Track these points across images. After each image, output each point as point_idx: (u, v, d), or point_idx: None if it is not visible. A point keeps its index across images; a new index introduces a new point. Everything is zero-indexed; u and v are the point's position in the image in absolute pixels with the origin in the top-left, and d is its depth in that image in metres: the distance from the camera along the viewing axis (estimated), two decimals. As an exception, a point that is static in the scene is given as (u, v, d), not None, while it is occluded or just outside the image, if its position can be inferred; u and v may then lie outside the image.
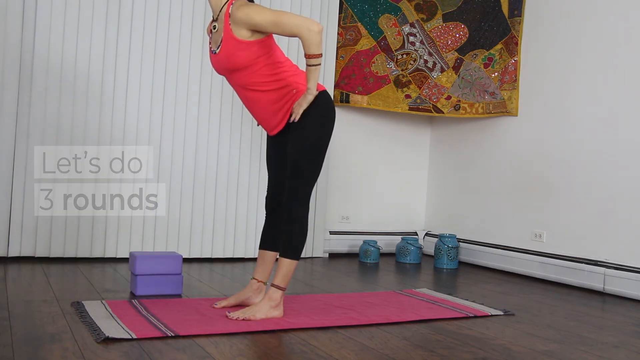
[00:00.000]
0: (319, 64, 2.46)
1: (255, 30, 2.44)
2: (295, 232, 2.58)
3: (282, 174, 2.70)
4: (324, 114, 2.59)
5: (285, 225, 2.59)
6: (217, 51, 2.52)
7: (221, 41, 2.49)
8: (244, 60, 2.48)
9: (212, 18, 2.62)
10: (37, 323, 2.31)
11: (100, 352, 2.00)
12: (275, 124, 2.63)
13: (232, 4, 2.47)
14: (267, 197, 2.81)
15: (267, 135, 2.78)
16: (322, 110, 2.57)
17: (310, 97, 2.49)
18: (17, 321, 2.32)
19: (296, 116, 2.51)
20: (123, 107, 3.94)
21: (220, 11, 2.51)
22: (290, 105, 2.56)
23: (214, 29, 2.54)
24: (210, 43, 2.61)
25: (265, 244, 2.78)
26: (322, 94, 2.58)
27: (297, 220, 2.58)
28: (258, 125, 2.80)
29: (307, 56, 2.44)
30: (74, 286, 3.08)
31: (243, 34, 2.44)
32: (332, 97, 2.64)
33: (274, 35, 2.55)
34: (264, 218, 2.84)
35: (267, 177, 2.77)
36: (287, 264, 2.57)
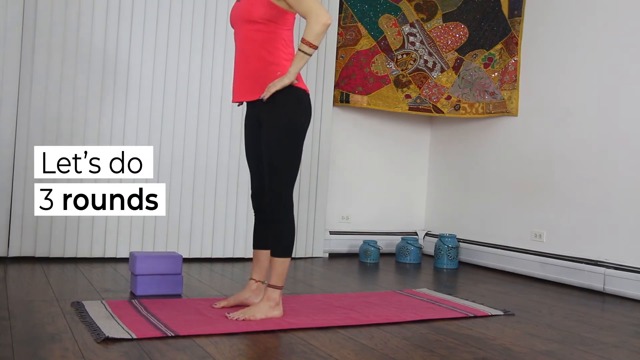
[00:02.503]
0: (310, 54, 2.49)
1: None
2: (283, 230, 2.58)
3: (262, 170, 2.70)
4: (297, 109, 2.57)
5: (272, 225, 2.60)
6: None
7: None
8: (257, 15, 2.52)
9: None
10: (37, 323, 2.31)
11: (100, 352, 1.99)
12: (243, 90, 2.62)
13: None
14: (252, 195, 2.80)
15: (244, 129, 2.76)
16: (296, 106, 2.56)
17: (286, 81, 2.49)
18: (17, 321, 2.32)
19: (266, 95, 2.50)
20: (123, 107, 3.94)
21: None
22: (266, 83, 2.55)
23: None
24: None
25: (257, 243, 2.78)
26: (301, 92, 2.58)
27: (282, 219, 2.58)
28: (239, 105, 2.80)
29: (303, 40, 2.48)
30: (74, 286, 3.08)
31: None
32: (310, 99, 2.67)
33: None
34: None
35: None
36: (280, 262, 2.58)
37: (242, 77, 2.62)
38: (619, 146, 3.70)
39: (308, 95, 2.62)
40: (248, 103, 2.71)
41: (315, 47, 2.49)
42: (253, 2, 2.54)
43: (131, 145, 3.93)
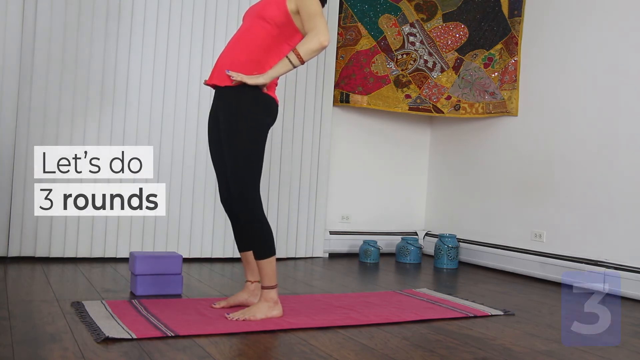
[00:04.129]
0: (294, 66, 2.46)
1: (297, 12, 2.50)
2: (257, 231, 2.54)
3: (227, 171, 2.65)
4: (257, 109, 2.52)
5: (245, 228, 2.57)
6: None
7: None
8: (270, 14, 2.51)
9: None
10: (37, 323, 2.31)
11: (100, 352, 1.99)
12: (219, 74, 2.56)
13: None
14: (221, 200, 2.75)
15: (208, 133, 2.72)
16: (257, 107, 2.51)
17: (261, 80, 2.45)
18: (17, 321, 2.32)
19: (234, 77, 2.44)
20: (123, 107, 3.94)
21: None
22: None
23: None
24: None
25: (241, 246, 2.76)
26: (266, 97, 2.53)
27: (253, 220, 2.53)
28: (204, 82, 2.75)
29: (294, 50, 2.45)
30: (74, 286, 3.08)
31: (290, 6, 2.50)
32: (277, 110, 2.62)
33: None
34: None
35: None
36: (266, 263, 2.54)
37: (224, 61, 2.56)
38: (619, 146, 3.70)
39: (274, 101, 2.58)
40: (214, 98, 2.66)
41: (302, 62, 2.46)
42: (272, 2, 2.53)
43: (131, 145, 3.93)
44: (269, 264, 2.55)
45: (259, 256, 2.55)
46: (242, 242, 2.76)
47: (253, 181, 2.53)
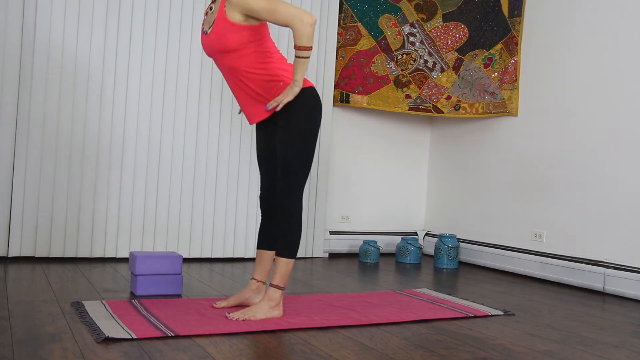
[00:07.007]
0: (308, 57, 2.45)
1: (249, 16, 2.44)
2: (291, 230, 2.58)
3: (273, 171, 2.70)
4: (310, 108, 2.57)
5: (280, 223, 2.60)
6: (209, 31, 2.53)
7: (214, 22, 2.50)
8: (234, 43, 2.47)
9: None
10: (37, 323, 2.31)
11: (100, 352, 2.00)
12: (257, 113, 2.62)
13: None
14: (260, 196, 2.80)
15: (256, 132, 2.78)
16: (308, 105, 2.56)
17: (296, 89, 2.48)
18: (17, 321, 2.32)
19: (279, 105, 2.49)
20: (123, 107, 3.94)
21: None
22: (274, 98, 2.55)
23: (210, 10, 2.56)
24: (203, 24, 2.61)
25: (262, 244, 2.77)
26: (309, 90, 2.58)
27: (291, 218, 2.57)
28: (240, 112, 2.80)
29: (297, 47, 2.43)
30: (74, 286, 3.08)
31: (236, 17, 2.44)
32: (318, 93, 2.63)
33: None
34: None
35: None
36: (285, 263, 2.57)
37: (248, 103, 2.61)
38: (619, 146, 3.70)
39: (314, 90, 2.61)
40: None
41: (311, 49, 2.45)
42: (223, 31, 2.47)
43: (131, 145, 3.93)
44: (287, 264, 2.58)
45: (282, 253, 2.57)
46: (265, 240, 2.77)
47: (302, 182, 2.58)
